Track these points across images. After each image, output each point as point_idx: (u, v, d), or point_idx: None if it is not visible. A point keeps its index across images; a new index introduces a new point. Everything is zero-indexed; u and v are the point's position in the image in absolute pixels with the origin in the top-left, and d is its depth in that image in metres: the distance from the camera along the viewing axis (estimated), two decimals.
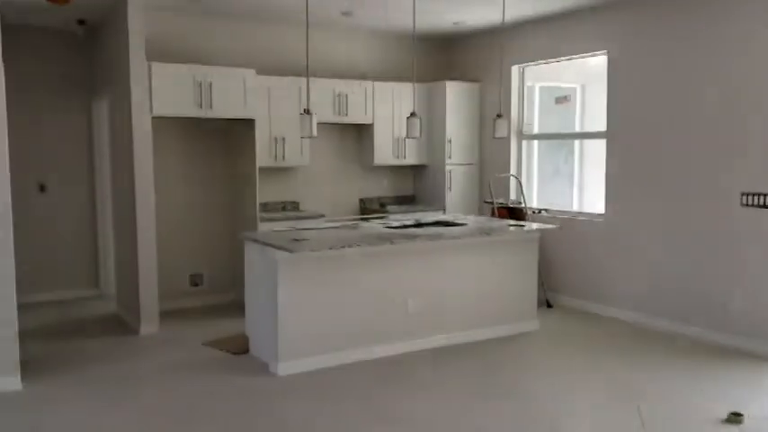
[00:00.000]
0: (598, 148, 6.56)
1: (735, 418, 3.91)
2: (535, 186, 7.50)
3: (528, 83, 7.34)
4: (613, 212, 6.26)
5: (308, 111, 4.87)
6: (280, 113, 6.61)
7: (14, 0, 5.67)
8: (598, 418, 4.04)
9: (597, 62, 6.47)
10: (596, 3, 6.12)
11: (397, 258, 5.14)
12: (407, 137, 5.46)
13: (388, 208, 7.39)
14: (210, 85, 6.04)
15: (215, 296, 6.83)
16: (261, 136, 6.47)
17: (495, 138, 5.61)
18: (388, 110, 7.30)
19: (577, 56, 6.64)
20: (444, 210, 7.45)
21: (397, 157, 7.47)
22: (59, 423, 3.94)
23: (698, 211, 5.54)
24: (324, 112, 6.81)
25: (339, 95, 6.97)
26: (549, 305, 6.75)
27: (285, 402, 4.23)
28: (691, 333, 5.61)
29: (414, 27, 5.46)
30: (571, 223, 6.65)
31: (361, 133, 7.49)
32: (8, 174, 4.38)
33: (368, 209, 7.53)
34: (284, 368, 4.70)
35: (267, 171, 6.79)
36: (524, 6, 6.22)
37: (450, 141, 7.47)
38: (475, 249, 5.51)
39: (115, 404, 4.21)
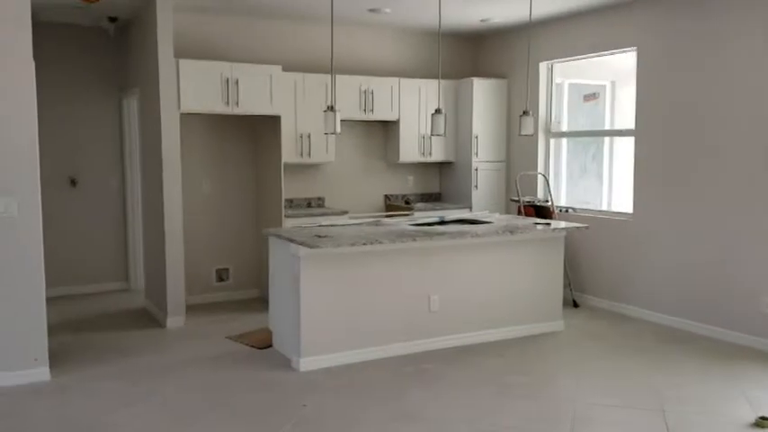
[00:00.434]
0: (628, 147, 6.47)
1: (763, 422, 3.82)
2: (563, 185, 7.42)
3: (557, 80, 7.26)
4: (642, 211, 6.16)
5: (332, 107, 4.87)
6: (306, 110, 6.64)
7: None
8: (622, 420, 3.97)
9: (627, 59, 6.37)
10: None
11: (420, 255, 5.13)
12: (432, 134, 5.44)
13: (414, 205, 7.37)
14: (237, 81, 6.09)
15: (240, 291, 6.90)
16: (287, 132, 6.51)
17: (520, 135, 5.56)
18: (415, 107, 7.28)
19: (606, 53, 6.54)
20: (470, 208, 7.41)
21: (423, 155, 7.45)
22: (86, 413, 4.01)
23: (728, 210, 5.42)
24: (350, 108, 6.83)
25: (365, 92, 6.97)
26: (576, 305, 6.67)
27: (305, 398, 4.24)
28: (719, 335, 5.50)
29: (439, 24, 5.45)
30: (599, 222, 6.57)
31: (387, 130, 7.48)
32: (38, 168, 4.45)
33: (393, 206, 7.52)
34: (306, 364, 4.72)
35: (293, 167, 6.83)
36: (552, 3, 6.15)
37: (476, 139, 7.42)
38: (499, 247, 5.47)
39: (139, 396, 4.27)
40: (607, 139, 7.30)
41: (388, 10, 6.46)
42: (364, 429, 3.80)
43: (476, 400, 4.23)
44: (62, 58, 6.88)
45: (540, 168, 7.28)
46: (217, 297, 6.79)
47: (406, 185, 7.77)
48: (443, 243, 5.18)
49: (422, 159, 7.47)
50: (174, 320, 5.89)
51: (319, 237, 4.80)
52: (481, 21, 7.03)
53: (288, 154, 6.54)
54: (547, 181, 7.15)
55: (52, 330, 4.95)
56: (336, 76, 6.67)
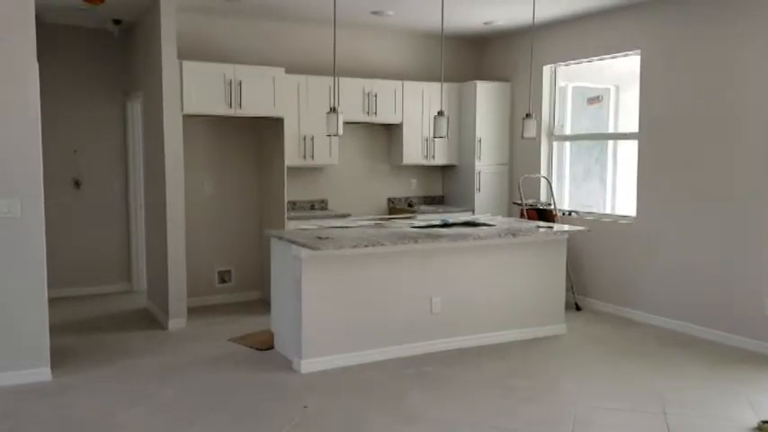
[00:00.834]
0: (631, 150, 6.45)
1: (765, 426, 3.80)
2: (567, 188, 7.41)
3: (561, 83, 7.25)
4: (645, 215, 6.15)
5: (335, 109, 4.87)
6: (309, 112, 6.65)
7: (52, 2, 5.80)
8: (624, 423, 3.96)
9: (631, 62, 6.36)
10: (629, 2, 6.02)
11: (421, 258, 5.13)
12: (435, 136, 5.44)
13: (417, 208, 7.37)
14: (240, 83, 6.10)
15: (243, 293, 6.90)
16: (290, 135, 6.52)
17: (523, 138, 5.55)
18: (418, 109, 7.28)
19: (610, 56, 6.53)
20: (473, 211, 7.40)
21: (426, 157, 7.45)
22: (86, 414, 4.01)
23: (731, 214, 5.41)
24: (353, 111, 6.84)
25: (369, 94, 6.97)
26: (578, 308, 6.66)
27: (306, 399, 4.23)
28: (722, 339, 5.47)
29: (442, 26, 5.44)
30: (602, 226, 6.55)
31: (390, 133, 7.49)
32: (41, 170, 4.47)
33: (396, 209, 7.52)
34: (307, 365, 4.71)
35: (296, 170, 6.84)
36: (556, 5, 6.15)
37: (479, 142, 7.42)
38: (501, 250, 5.46)
39: (140, 397, 4.27)
40: (611, 142, 7.29)
41: (391, 12, 6.47)
42: (365, 431, 3.79)
43: (477, 402, 4.22)
44: (67, 61, 6.91)
45: (543, 171, 7.27)
46: (219, 299, 6.79)
47: (410, 188, 7.77)
48: (445, 245, 5.18)
49: (425, 162, 7.47)
50: (176, 322, 5.89)
51: (321, 238, 4.80)
52: (484, 23, 7.04)
53: (291, 156, 6.55)
54: (550, 184, 7.14)
55: (55, 331, 4.96)
56: (340, 78, 6.69)
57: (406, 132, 7.27)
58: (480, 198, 7.50)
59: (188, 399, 4.26)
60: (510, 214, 7.43)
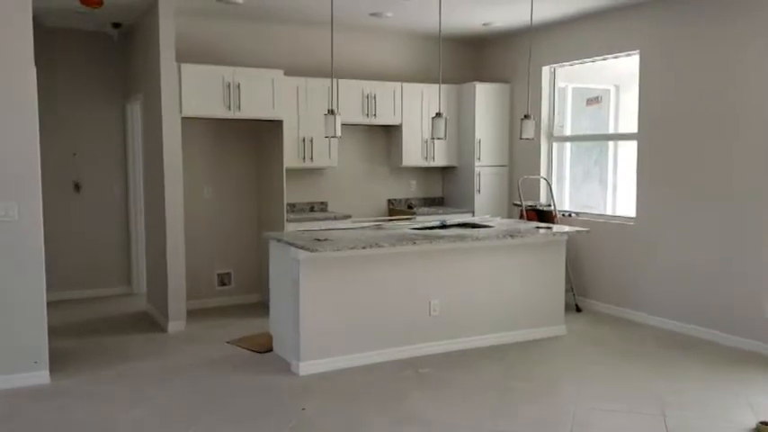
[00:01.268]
0: (631, 151, 6.44)
1: (764, 427, 3.78)
2: (567, 189, 7.40)
3: (560, 84, 7.24)
4: (644, 216, 6.14)
5: (332, 111, 4.87)
6: (308, 114, 6.65)
7: (51, 5, 5.81)
8: (623, 425, 3.94)
9: (631, 63, 6.34)
10: (628, 2, 6.01)
11: (420, 259, 5.12)
12: (433, 137, 5.44)
13: (416, 210, 7.36)
14: (239, 86, 6.10)
15: (242, 296, 6.90)
16: (289, 137, 6.52)
17: (521, 139, 5.54)
18: (417, 111, 7.28)
19: (609, 56, 6.52)
20: (473, 212, 7.39)
21: (426, 159, 7.44)
22: (84, 417, 4.01)
23: (731, 214, 5.39)
24: (352, 113, 6.84)
25: (368, 96, 6.97)
26: (579, 309, 6.64)
27: (304, 402, 4.23)
28: (722, 340, 5.46)
29: (440, 28, 5.45)
30: (601, 227, 6.54)
31: (389, 134, 7.48)
32: (39, 173, 4.47)
33: (396, 210, 7.52)
34: (305, 368, 4.71)
35: (296, 172, 6.84)
36: (555, 6, 6.15)
37: (479, 143, 7.41)
38: (500, 251, 5.46)
39: (138, 400, 4.27)
40: (611, 143, 7.28)
41: (389, 14, 6.47)
42: None
43: (476, 404, 4.21)
44: (66, 64, 6.92)
45: (543, 172, 7.26)
46: (219, 301, 6.79)
47: (409, 190, 7.77)
48: (444, 247, 5.17)
49: (424, 164, 7.47)
50: (176, 325, 5.89)
51: (319, 240, 4.79)
52: (483, 25, 7.03)
53: (290, 158, 6.55)
54: (549, 185, 7.13)
55: (54, 334, 4.96)
56: (339, 80, 6.69)
57: (406, 134, 7.26)
58: (480, 199, 7.49)
59: (186, 401, 4.26)
60: (510, 216, 7.42)
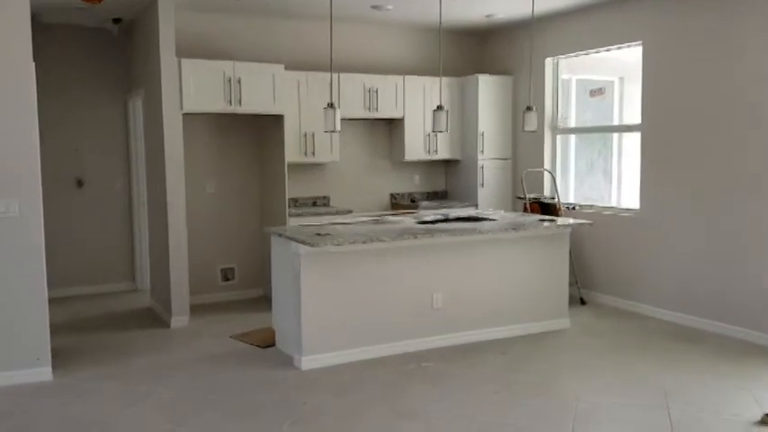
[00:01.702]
0: (636, 142, 6.38)
1: None
2: (571, 181, 7.35)
3: (564, 76, 7.19)
4: (648, 208, 6.09)
5: (332, 105, 4.85)
6: (309, 109, 6.62)
7: (51, 1, 5.80)
8: (626, 418, 3.92)
9: (636, 54, 6.28)
10: None
11: (422, 253, 5.09)
12: (434, 130, 5.41)
13: (419, 204, 7.33)
14: (240, 80, 6.08)
15: (245, 290, 6.90)
16: (290, 132, 6.50)
17: (524, 131, 5.51)
18: (420, 104, 7.24)
19: (612, 47, 6.47)
20: (477, 206, 7.36)
21: (429, 152, 7.41)
22: (87, 413, 4.02)
23: (735, 206, 5.34)
24: (354, 107, 6.82)
25: (369, 90, 6.94)
26: (583, 302, 6.61)
27: (305, 396, 4.22)
28: (726, 332, 5.41)
29: (440, 19, 5.42)
30: (606, 219, 6.50)
31: (391, 128, 7.45)
32: (39, 169, 4.47)
33: (399, 204, 7.49)
34: (307, 362, 4.70)
35: (298, 167, 6.81)
36: None
37: (482, 136, 7.37)
38: (503, 245, 5.43)
39: (141, 395, 4.27)
40: (615, 135, 7.22)
41: (390, 7, 6.43)
42: (364, 427, 3.78)
43: (478, 397, 4.19)
44: (67, 60, 6.91)
45: (547, 165, 7.22)
46: (222, 296, 6.79)
47: (412, 184, 7.73)
48: (445, 240, 5.14)
49: (427, 157, 7.43)
50: (179, 320, 5.89)
51: (320, 235, 4.77)
52: (486, 16, 6.98)
53: (292, 153, 6.53)
54: (553, 178, 7.08)
55: (57, 330, 4.97)
56: (340, 74, 6.66)
57: (408, 128, 7.23)
58: (484, 193, 7.45)
59: (189, 396, 4.26)
60: (514, 209, 7.38)
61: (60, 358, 4.80)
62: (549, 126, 7.19)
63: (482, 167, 7.40)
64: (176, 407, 4.10)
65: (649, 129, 6.05)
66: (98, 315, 6.38)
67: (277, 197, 6.51)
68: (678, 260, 5.83)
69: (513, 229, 5.30)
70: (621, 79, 7.26)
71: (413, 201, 7.56)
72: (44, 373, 4.52)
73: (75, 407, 4.11)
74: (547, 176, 7.18)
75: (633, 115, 6.66)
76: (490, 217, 5.96)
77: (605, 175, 7.32)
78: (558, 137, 7.24)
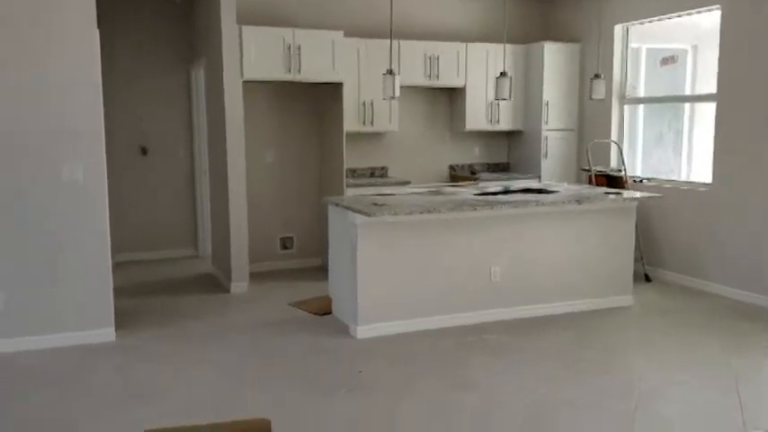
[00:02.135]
0: (709, 113, 6.07)
1: None
2: (638, 154, 7.07)
3: (634, 45, 6.87)
4: (721, 182, 5.80)
5: (391, 71, 4.75)
6: (368, 77, 6.53)
7: None
8: (692, 398, 3.76)
9: (713, 19, 5.95)
10: None
11: (481, 225, 4.99)
12: (496, 98, 5.26)
13: (480, 175, 7.19)
14: (299, 48, 6.04)
15: (304, 259, 6.93)
16: (349, 100, 6.44)
17: (591, 99, 5.31)
18: (482, 73, 7.06)
19: (687, 12, 6.13)
20: (539, 178, 7.17)
21: (491, 122, 7.24)
22: (146, 373, 4.11)
23: None
24: (414, 75, 6.70)
25: (430, 58, 6.80)
26: (648, 279, 6.38)
27: (361, 365, 4.21)
28: None
29: None
30: (675, 193, 6.23)
31: (452, 97, 7.30)
32: (103, 136, 4.55)
33: (458, 176, 7.36)
34: (363, 331, 4.69)
35: (356, 136, 6.76)
36: None
37: (546, 106, 7.15)
38: (566, 218, 5.26)
39: (198, 358, 4.34)
40: (687, 106, 6.89)
41: None
42: (418, 397, 3.74)
43: (538, 372, 4.09)
44: (131, 29, 7.01)
45: (614, 136, 6.96)
46: (281, 265, 6.84)
47: (472, 155, 7.59)
48: (506, 213, 5.02)
49: (489, 128, 7.27)
50: (238, 286, 5.97)
51: (377, 205, 4.72)
52: None
53: (350, 122, 6.48)
54: (620, 149, 6.82)
55: (120, 293, 5.11)
56: (400, 41, 6.54)
57: (470, 97, 7.07)
58: (547, 165, 7.25)
59: (246, 361, 4.31)
60: (578, 181, 7.16)
61: (123, 320, 4.93)
62: (616, 96, 6.91)
63: (546, 138, 7.19)
64: (235, 370, 4.15)
65: (726, 98, 5.73)
66: (160, 279, 6.53)
67: (335, 167, 6.48)
68: (751, 238, 5.54)
69: (577, 201, 5.13)
70: (695, 47, 6.90)
71: (473, 173, 7.42)
72: (107, 334, 4.65)
73: (136, 367, 4.21)
74: (613, 148, 6.92)
75: (707, 85, 6.33)
76: (553, 189, 5.79)
77: (675, 148, 7.01)
78: (626, 107, 6.95)
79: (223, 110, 5.85)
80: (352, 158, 6.77)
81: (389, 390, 3.84)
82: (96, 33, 4.48)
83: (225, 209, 6.03)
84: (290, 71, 6.05)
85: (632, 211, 5.50)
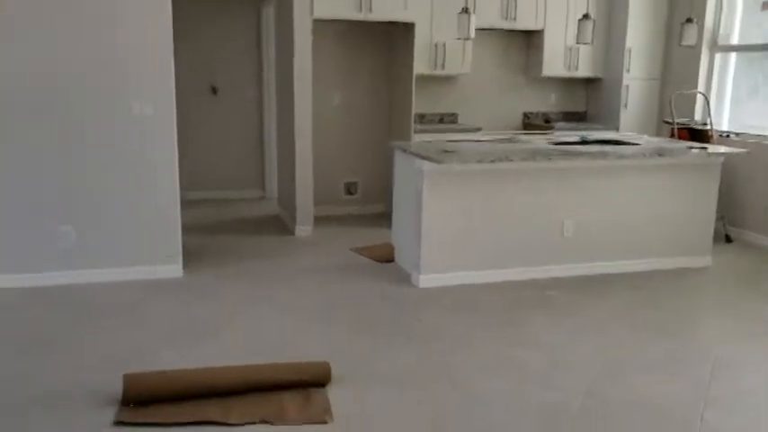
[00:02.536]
0: None
1: None
2: (727, 106, 6.61)
3: None
4: None
5: (467, 9, 4.52)
6: (441, 16, 6.27)
7: None
8: (765, 367, 3.54)
9: None
10: None
11: (554, 176, 4.77)
12: (578, 42, 4.97)
13: (555, 124, 6.89)
14: None
15: (367, 206, 6.87)
16: (421, 42, 6.21)
17: (680, 45, 4.94)
18: (562, 15, 6.69)
19: None
20: (618, 129, 6.83)
21: (569, 69, 6.89)
22: (209, 310, 4.16)
23: None
24: (490, 16, 6.42)
25: None
26: (729, 240, 6.04)
27: (421, 313, 4.15)
28: None
29: None
30: (764, 149, 5.81)
31: (529, 41, 6.97)
32: (173, 72, 4.52)
33: (532, 125, 7.08)
34: (425, 280, 4.60)
35: (426, 79, 6.56)
36: None
37: (629, 52, 6.74)
38: (645, 172, 4.98)
39: (262, 298, 4.37)
40: None
41: None
42: (477, 349, 3.65)
43: (602, 333, 3.93)
44: None
45: (701, 87, 6.51)
46: (345, 210, 6.80)
47: (548, 102, 7.28)
48: (582, 164, 4.78)
49: (567, 74, 6.93)
50: (303, 229, 5.97)
51: (446, 152, 4.57)
52: None
53: (421, 64, 6.26)
54: (707, 101, 6.39)
55: (188, 231, 5.16)
56: None
57: (548, 40, 6.73)
58: (627, 115, 6.89)
59: (305, 303, 4.31)
60: (659, 134, 6.78)
61: (190, 257, 4.99)
62: (707, 43, 6.44)
63: (627, 87, 6.81)
64: (295, 312, 4.15)
65: None
66: (228, 219, 6.60)
67: (403, 112, 6.32)
68: None
69: (659, 154, 4.83)
70: None
71: (547, 121, 7.12)
72: (174, 270, 4.72)
73: (199, 303, 4.26)
74: (700, 99, 6.49)
75: None
76: (632, 141, 5.49)
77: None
78: (717, 55, 6.47)
79: (292, 49, 5.74)
80: (420, 103, 6.58)
81: (449, 341, 3.76)
82: None
83: (291, 151, 5.99)
84: (360, 9, 5.85)
85: (717, 167, 5.16)
